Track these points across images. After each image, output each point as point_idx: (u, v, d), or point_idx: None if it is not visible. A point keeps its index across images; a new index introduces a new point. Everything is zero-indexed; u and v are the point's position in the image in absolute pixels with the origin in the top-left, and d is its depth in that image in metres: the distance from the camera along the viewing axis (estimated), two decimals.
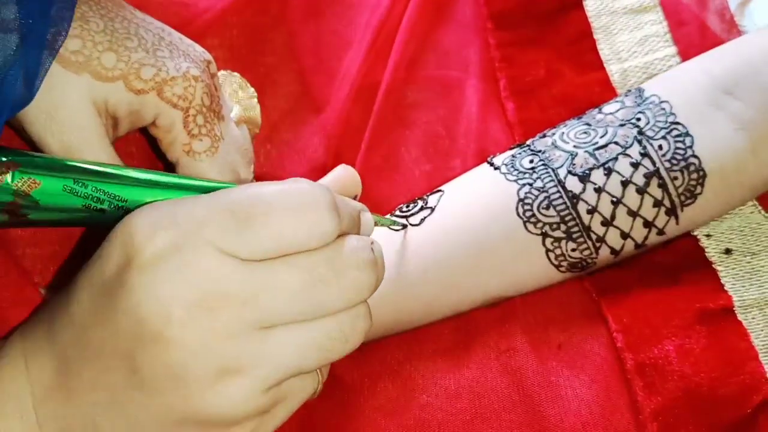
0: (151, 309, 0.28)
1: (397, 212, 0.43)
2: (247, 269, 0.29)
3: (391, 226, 0.41)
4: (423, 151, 0.50)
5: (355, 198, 0.37)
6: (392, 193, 0.48)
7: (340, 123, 0.50)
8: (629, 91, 0.45)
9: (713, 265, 0.44)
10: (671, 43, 0.51)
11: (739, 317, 0.42)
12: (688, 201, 0.42)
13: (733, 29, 0.54)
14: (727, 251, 0.44)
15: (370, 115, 0.50)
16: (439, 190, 0.44)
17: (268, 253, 0.29)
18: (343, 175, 0.37)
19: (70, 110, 0.36)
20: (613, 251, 0.42)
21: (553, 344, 0.42)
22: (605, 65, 0.51)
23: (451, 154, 0.50)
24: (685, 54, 0.50)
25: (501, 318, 0.43)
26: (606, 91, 0.51)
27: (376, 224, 0.36)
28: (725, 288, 0.43)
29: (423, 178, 0.49)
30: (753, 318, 0.42)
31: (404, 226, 0.42)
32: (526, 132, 0.49)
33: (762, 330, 0.42)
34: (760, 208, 0.46)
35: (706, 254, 0.44)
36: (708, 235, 0.45)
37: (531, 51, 0.52)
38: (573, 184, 0.41)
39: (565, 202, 0.41)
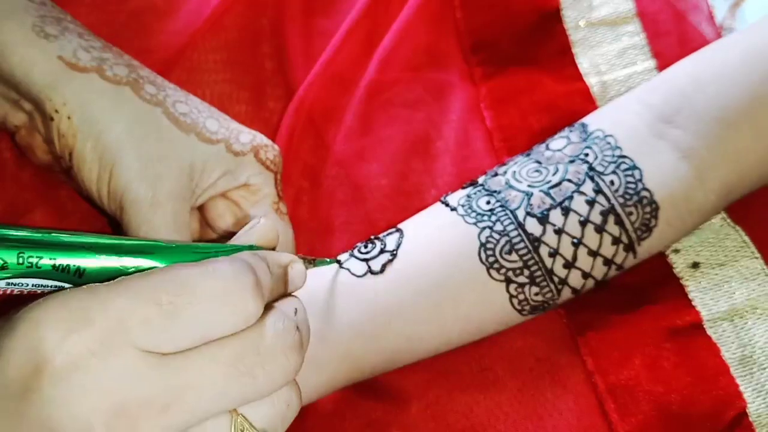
0: (65, 425, 0.26)
1: (357, 253, 0.42)
2: (170, 368, 0.27)
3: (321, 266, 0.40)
4: (406, 150, 0.50)
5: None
6: (376, 180, 0.49)
7: (315, 105, 0.51)
8: (573, 125, 0.45)
9: (681, 281, 0.44)
10: (650, 56, 0.52)
11: (708, 332, 0.43)
12: (644, 235, 0.42)
13: (719, 36, 0.53)
14: (695, 265, 0.45)
15: (347, 104, 0.51)
16: (398, 230, 0.43)
17: (193, 343, 0.28)
18: (274, 234, 0.35)
19: (170, 162, 0.40)
20: (574, 291, 0.42)
21: (530, 358, 0.43)
22: (584, 78, 0.52)
23: (435, 155, 0.50)
24: (665, 67, 0.50)
25: None
26: (586, 102, 0.51)
27: (308, 267, 0.35)
28: (693, 303, 0.44)
29: (408, 176, 0.49)
30: (723, 331, 0.43)
31: (338, 262, 0.42)
32: (506, 138, 0.50)
33: (732, 343, 0.42)
34: (725, 216, 0.46)
35: (674, 270, 0.45)
36: (676, 251, 0.45)
37: (511, 66, 0.52)
38: (533, 227, 0.41)
39: (526, 246, 0.41)
